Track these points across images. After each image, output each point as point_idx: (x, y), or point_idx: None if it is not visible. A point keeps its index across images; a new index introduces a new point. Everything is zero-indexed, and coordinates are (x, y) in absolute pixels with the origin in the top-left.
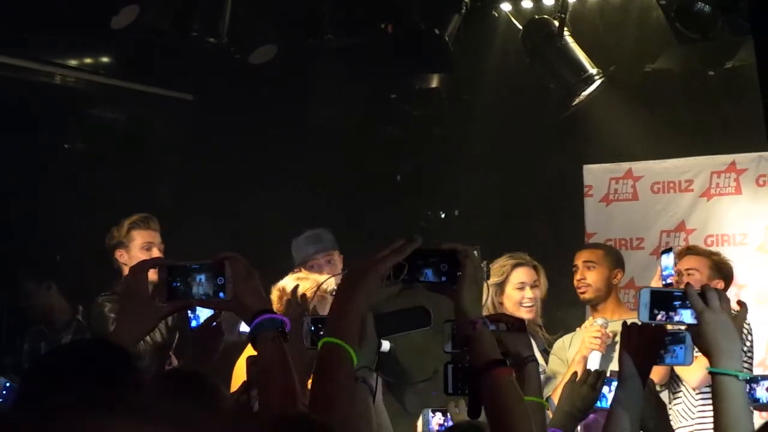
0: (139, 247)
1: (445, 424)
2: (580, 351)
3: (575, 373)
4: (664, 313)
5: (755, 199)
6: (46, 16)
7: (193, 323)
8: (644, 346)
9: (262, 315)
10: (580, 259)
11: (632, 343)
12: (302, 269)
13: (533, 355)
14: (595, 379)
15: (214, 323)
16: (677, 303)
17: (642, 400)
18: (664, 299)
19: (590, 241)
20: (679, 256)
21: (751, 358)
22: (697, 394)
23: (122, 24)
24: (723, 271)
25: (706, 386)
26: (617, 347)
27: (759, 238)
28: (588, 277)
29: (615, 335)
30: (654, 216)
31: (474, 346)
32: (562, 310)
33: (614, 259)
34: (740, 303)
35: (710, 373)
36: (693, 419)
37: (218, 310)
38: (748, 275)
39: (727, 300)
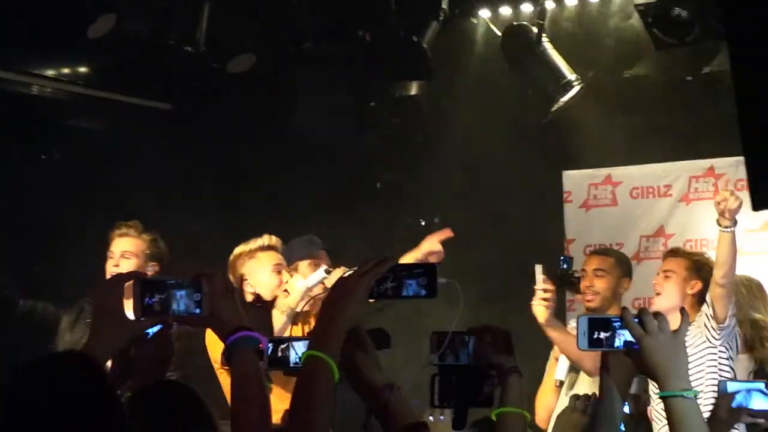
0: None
1: None
2: (552, 353)
3: (566, 407)
4: (604, 335)
5: None
6: (22, 26)
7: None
8: (619, 367)
9: (239, 332)
10: (590, 266)
11: (607, 366)
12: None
13: (515, 366)
14: (584, 405)
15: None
16: (617, 325)
17: (621, 413)
18: (603, 325)
19: (570, 247)
20: (663, 258)
21: (731, 359)
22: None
23: (99, 33)
24: (702, 271)
25: None
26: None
27: (738, 243)
28: (596, 285)
29: None
30: (633, 221)
31: (390, 414)
32: None
33: (624, 267)
34: (681, 312)
35: (660, 398)
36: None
37: (194, 326)
38: None
39: (665, 319)
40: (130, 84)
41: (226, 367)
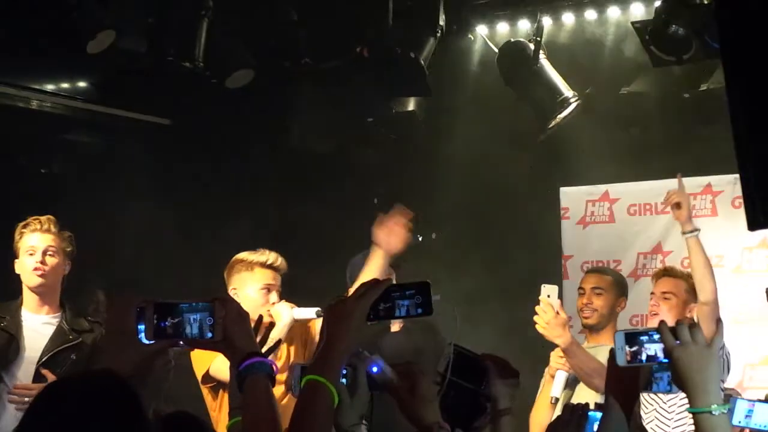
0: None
1: None
2: (548, 370)
3: (559, 417)
4: (638, 350)
5: (731, 221)
6: (22, 41)
7: None
8: (625, 384)
9: (251, 358)
10: (588, 284)
11: (613, 381)
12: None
13: (510, 408)
14: (578, 418)
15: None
16: (645, 339)
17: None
18: (637, 338)
19: (567, 264)
20: (656, 277)
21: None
22: (668, 401)
23: (98, 49)
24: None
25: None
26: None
27: (735, 260)
28: (594, 302)
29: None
30: (631, 238)
31: None
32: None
33: (621, 287)
34: (717, 322)
35: (690, 412)
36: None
37: (206, 349)
38: (725, 297)
39: (700, 329)
40: (129, 99)
41: (209, 384)
